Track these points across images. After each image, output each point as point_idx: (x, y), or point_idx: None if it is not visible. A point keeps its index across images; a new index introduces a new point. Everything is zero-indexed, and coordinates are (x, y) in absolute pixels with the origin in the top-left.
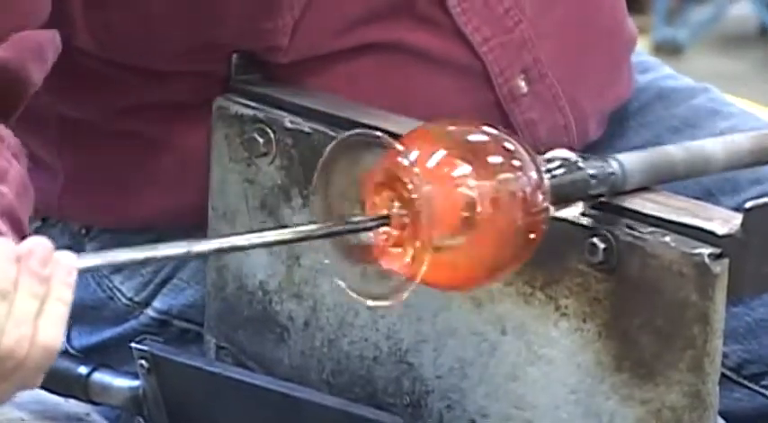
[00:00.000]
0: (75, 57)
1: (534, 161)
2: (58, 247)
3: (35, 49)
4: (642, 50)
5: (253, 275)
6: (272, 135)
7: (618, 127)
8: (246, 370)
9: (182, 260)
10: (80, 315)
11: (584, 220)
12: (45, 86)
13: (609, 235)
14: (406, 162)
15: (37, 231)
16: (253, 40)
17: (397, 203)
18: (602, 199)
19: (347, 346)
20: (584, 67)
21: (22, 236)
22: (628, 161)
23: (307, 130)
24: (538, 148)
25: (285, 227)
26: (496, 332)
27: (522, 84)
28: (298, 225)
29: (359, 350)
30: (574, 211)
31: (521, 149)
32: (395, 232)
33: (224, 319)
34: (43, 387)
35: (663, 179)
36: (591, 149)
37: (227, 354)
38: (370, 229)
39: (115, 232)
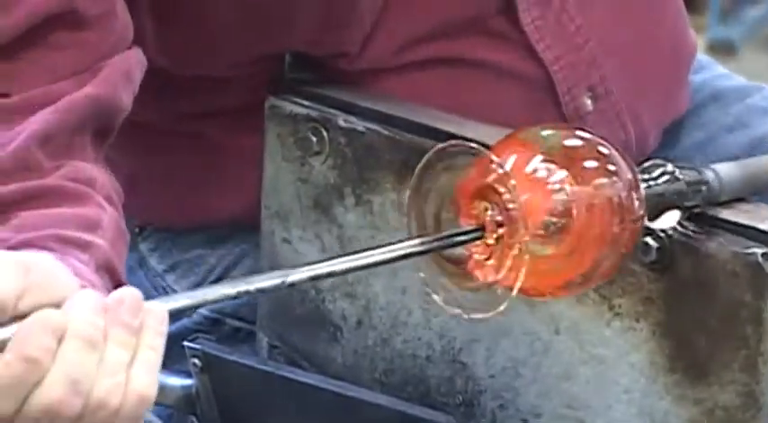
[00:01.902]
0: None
1: (630, 166)
2: None
3: (125, 75)
4: (696, 50)
5: None
6: (325, 134)
7: (672, 128)
8: (299, 369)
9: (276, 291)
10: None
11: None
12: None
13: (662, 234)
14: (500, 170)
15: None
16: (319, 48)
17: (491, 213)
18: (697, 210)
19: (400, 345)
20: (646, 83)
21: (117, 284)
22: (724, 171)
23: (360, 129)
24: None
25: (380, 247)
26: (549, 332)
27: (588, 102)
28: (395, 243)
29: (412, 349)
30: (670, 222)
31: (615, 154)
32: (490, 242)
33: (277, 318)
34: None
35: (759, 189)
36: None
37: (280, 353)
38: (466, 241)
39: (169, 231)
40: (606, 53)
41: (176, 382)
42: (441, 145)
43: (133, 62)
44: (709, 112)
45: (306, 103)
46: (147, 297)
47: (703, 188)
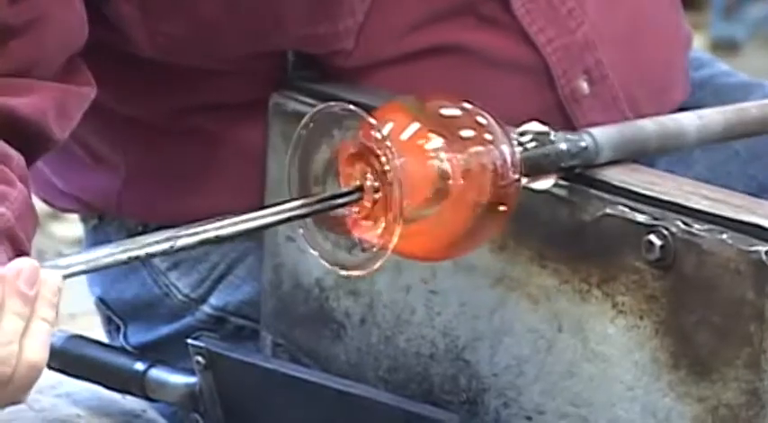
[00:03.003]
0: (135, 60)
1: (506, 134)
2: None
3: (58, 106)
4: (699, 47)
5: (309, 273)
6: None
7: None
8: (303, 367)
9: (165, 254)
10: (136, 312)
11: (641, 218)
12: (109, 88)
13: (665, 232)
14: (378, 135)
15: (94, 229)
16: (314, 45)
17: (370, 176)
18: (576, 171)
19: (404, 344)
20: (643, 69)
21: (18, 254)
22: (600, 134)
23: None
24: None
25: (264, 209)
26: (553, 329)
27: (585, 85)
28: (278, 204)
29: (415, 347)
30: (546, 184)
31: (493, 123)
32: (367, 204)
33: (280, 316)
34: (100, 383)
35: (636, 153)
36: None
37: (284, 350)
38: (346, 203)
39: (171, 229)
40: (600, 37)
41: (180, 379)
42: (321, 105)
43: (72, 98)
44: (710, 108)
45: (309, 100)
46: (151, 295)
47: (581, 151)
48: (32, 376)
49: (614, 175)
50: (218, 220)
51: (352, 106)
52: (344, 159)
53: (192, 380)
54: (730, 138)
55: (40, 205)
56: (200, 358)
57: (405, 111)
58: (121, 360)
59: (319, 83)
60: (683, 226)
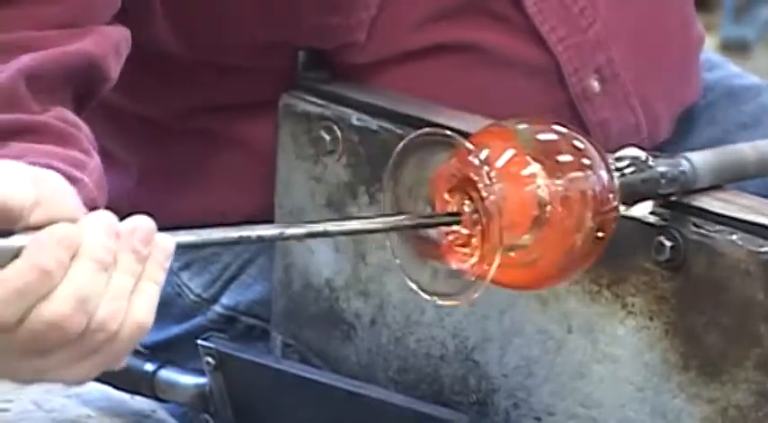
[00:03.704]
0: (148, 59)
1: (604, 159)
2: None
3: (114, 46)
4: (710, 48)
5: (319, 273)
6: (338, 133)
7: (685, 124)
8: (313, 367)
9: (274, 241)
10: None
11: (652, 219)
12: (122, 87)
13: (676, 233)
14: (476, 161)
15: None
16: (327, 37)
17: (467, 202)
18: (673, 198)
19: (414, 344)
20: (655, 68)
21: None
22: (698, 160)
23: (374, 127)
24: (609, 148)
25: (368, 218)
26: (562, 330)
27: (596, 83)
28: (381, 216)
29: (425, 348)
30: (644, 210)
31: (590, 148)
32: (465, 231)
33: (290, 316)
34: (110, 384)
35: (733, 178)
36: (660, 149)
37: (294, 351)
38: (442, 224)
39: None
40: (612, 36)
41: (190, 380)
42: (419, 132)
43: (122, 37)
44: (722, 110)
45: (319, 101)
46: (162, 295)
47: (678, 177)
48: (137, 336)
49: None
50: (329, 219)
51: (449, 132)
52: (440, 185)
53: (202, 380)
54: None
55: None
56: (210, 359)
57: (501, 135)
58: (131, 360)
59: (329, 84)
60: (693, 227)
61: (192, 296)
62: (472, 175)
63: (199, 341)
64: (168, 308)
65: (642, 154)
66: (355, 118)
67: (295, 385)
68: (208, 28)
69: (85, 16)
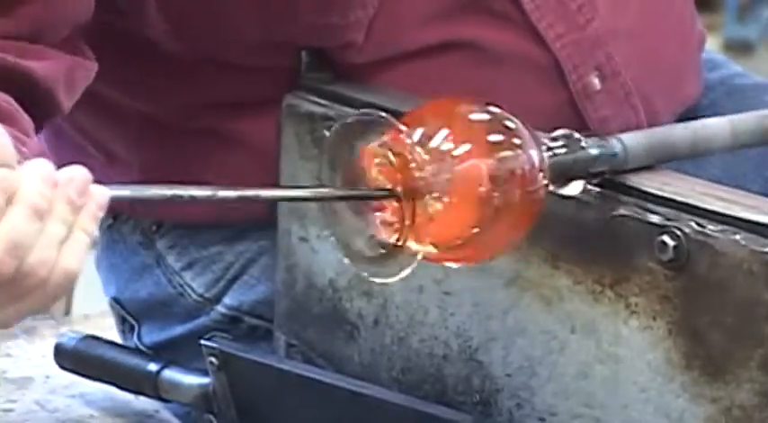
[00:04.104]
0: (150, 57)
1: (535, 140)
2: (132, 245)
3: (68, 76)
4: (713, 48)
5: (322, 273)
6: None
7: (687, 120)
8: (316, 367)
9: (207, 202)
10: (151, 311)
11: (654, 219)
12: (123, 86)
13: (679, 233)
14: (408, 141)
15: (108, 229)
16: (326, 37)
17: (398, 180)
18: (605, 176)
19: (417, 344)
20: (655, 66)
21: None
22: (630, 140)
23: None
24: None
25: (303, 188)
26: (566, 330)
27: (596, 81)
28: (314, 186)
29: (429, 348)
30: (575, 190)
31: (522, 128)
32: (396, 209)
33: (294, 316)
34: (113, 384)
35: (665, 158)
36: None
37: (297, 351)
38: (373, 198)
39: (187, 228)
40: (611, 33)
41: (193, 380)
42: (354, 113)
43: (79, 69)
44: (724, 110)
45: (322, 101)
46: (165, 295)
47: (609, 157)
48: (65, 284)
49: (627, 177)
50: (262, 186)
51: (382, 113)
52: (373, 163)
53: (205, 380)
54: (763, 143)
55: None
56: (213, 359)
57: (433, 116)
58: (135, 361)
59: (332, 84)
60: (696, 227)
61: (194, 296)
62: (404, 153)
63: (202, 341)
64: (171, 308)
65: (575, 135)
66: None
67: (298, 385)
68: (204, 24)
69: (41, 33)
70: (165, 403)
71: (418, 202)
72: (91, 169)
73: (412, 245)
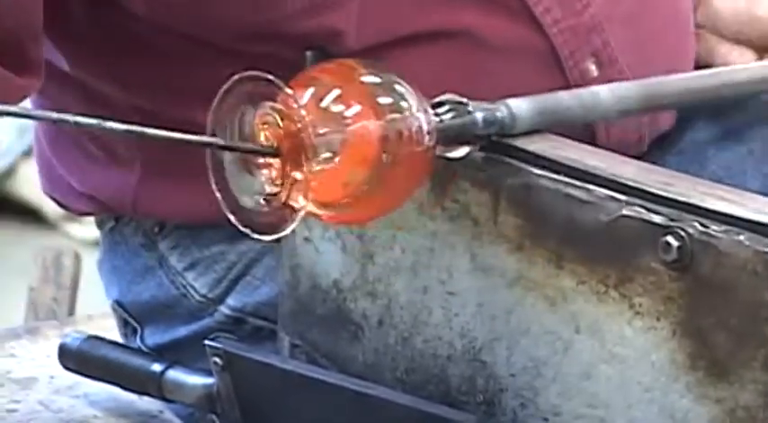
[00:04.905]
0: (151, 54)
1: (422, 103)
2: (135, 246)
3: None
4: None
5: (326, 274)
6: None
7: (689, 117)
8: (320, 368)
9: (90, 127)
10: (154, 312)
11: (658, 219)
12: (123, 83)
13: (682, 233)
14: (292, 101)
15: (110, 231)
16: (313, 19)
17: (284, 139)
18: (492, 140)
19: (421, 345)
20: (652, 55)
21: None
22: (516, 104)
23: None
24: (611, 137)
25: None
26: (570, 331)
27: (593, 67)
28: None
29: (433, 348)
30: (461, 153)
31: (410, 91)
32: (282, 167)
33: (298, 317)
34: (117, 384)
35: (553, 123)
36: (662, 140)
37: (302, 351)
38: (263, 153)
39: (190, 229)
40: (608, 19)
41: (197, 380)
42: (239, 75)
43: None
44: (727, 105)
45: None
46: (168, 296)
47: (495, 120)
48: None
49: (630, 176)
50: (149, 126)
51: (270, 76)
52: (262, 126)
53: (209, 381)
54: (647, 109)
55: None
56: (217, 359)
57: (325, 78)
58: (139, 361)
59: None
60: (699, 227)
61: (197, 296)
62: (291, 114)
63: (206, 341)
64: (174, 309)
65: (462, 99)
66: None
67: (302, 385)
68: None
69: None
70: (168, 404)
71: (305, 161)
72: (93, 169)
73: (298, 203)
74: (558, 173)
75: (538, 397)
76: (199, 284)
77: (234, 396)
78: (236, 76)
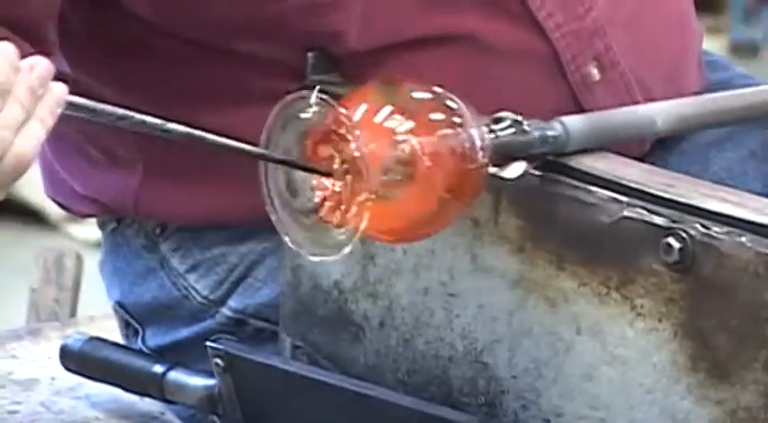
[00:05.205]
0: (152, 56)
1: (476, 119)
2: (136, 248)
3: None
4: (719, 50)
5: (328, 275)
6: None
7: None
8: (322, 369)
9: (154, 130)
10: (155, 314)
11: (659, 220)
12: (125, 85)
13: (684, 235)
14: (347, 120)
15: (112, 232)
16: (314, 18)
17: (338, 157)
18: (549, 157)
19: (422, 346)
20: (654, 57)
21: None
22: (571, 123)
23: None
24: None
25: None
26: (571, 332)
27: (595, 71)
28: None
29: (434, 350)
30: (517, 171)
31: (463, 108)
32: (338, 187)
33: (299, 318)
34: (118, 386)
35: (606, 141)
36: (664, 142)
37: (303, 353)
38: (317, 172)
39: (191, 231)
40: (610, 23)
41: (199, 382)
42: (292, 94)
43: None
44: None
45: None
46: (169, 298)
47: (549, 139)
48: (16, 170)
49: (632, 178)
50: (212, 132)
51: (323, 95)
52: (314, 143)
53: (211, 382)
54: (703, 126)
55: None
56: (219, 361)
57: (376, 95)
58: (140, 363)
59: (338, 86)
60: (701, 228)
61: (199, 298)
62: (344, 131)
63: (208, 343)
64: (176, 310)
65: (518, 117)
66: None
67: (304, 387)
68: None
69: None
70: (170, 405)
71: (358, 180)
72: (94, 172)
73: (350, 222)
74: (561, 174)
75: (539, 398)
76: (200, 286)
77: (235, 397)
78: (291, 94)
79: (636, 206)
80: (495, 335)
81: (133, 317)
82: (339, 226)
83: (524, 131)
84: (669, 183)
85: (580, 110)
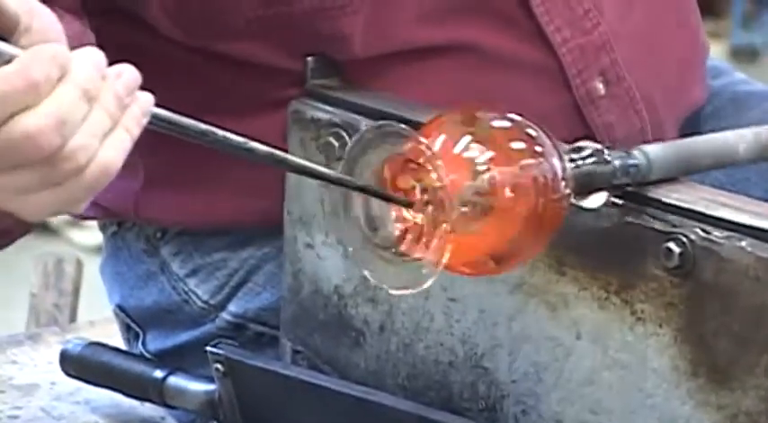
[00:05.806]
0: (154, 57)
1: (557, 149)
2: (137, 251)
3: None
4: (719, 55)
5: (328, 280)
6: (347, 139)
7: (691, 130)
8: (322, 374)
9: (237, 148)
10: (156, 318)
11: (660, 225)
12: None
13: (684, 239)
14: (428, 150)
15: (113, 236)
16: (321, 21)
17: (419, 189)
18: (629, 188)
19: (423, 351)
20: (659, 71)
21: None
22: (653, 152)
23: None
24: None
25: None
26: (571, 337)
27: (600, 85)
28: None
29: (434, 355)
30: (598, 201)
31: (543, 136)
32: (418, 220)
33: (299, 323)
34: (119, 390)
35: (688, 170)
36: None
37: (303, 358)
38: (393, 201)
39: (191, 235)
40: (617, 38)
41: (199, 387)
42: (373, 125)
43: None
44: (728, 117)
45: (328, 108)
46: (170, 302)
47: (631, 169)
48: (101, 179)
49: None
50: (292, 153)
51: (403, 126)
52: (393, 174)
53: (211, 387)
54: None
55: None
56: (219, 365)
57: (454, 124)
58: (141, 367)
59: (339, 90)
60: (701, 233)
61: (199, 303)
62: (425, 164)
63: (208, 348)
64: (176, 315)
65: (598, 146)
66: (364, 125)
67: (304, 392)
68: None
69: None
70: (170, 410)
71: (440, 212)
72: None
73: (432, 256)
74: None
75: (540, 403)
76: (200, 291)
77: (235, 402)
78: (373, 124)
79: (636, 211)
80: (495, 340)
81: (134, 320)
82: (419, 259)
83: (606, 161)
84: (669, 188)
85: (584, 124)
